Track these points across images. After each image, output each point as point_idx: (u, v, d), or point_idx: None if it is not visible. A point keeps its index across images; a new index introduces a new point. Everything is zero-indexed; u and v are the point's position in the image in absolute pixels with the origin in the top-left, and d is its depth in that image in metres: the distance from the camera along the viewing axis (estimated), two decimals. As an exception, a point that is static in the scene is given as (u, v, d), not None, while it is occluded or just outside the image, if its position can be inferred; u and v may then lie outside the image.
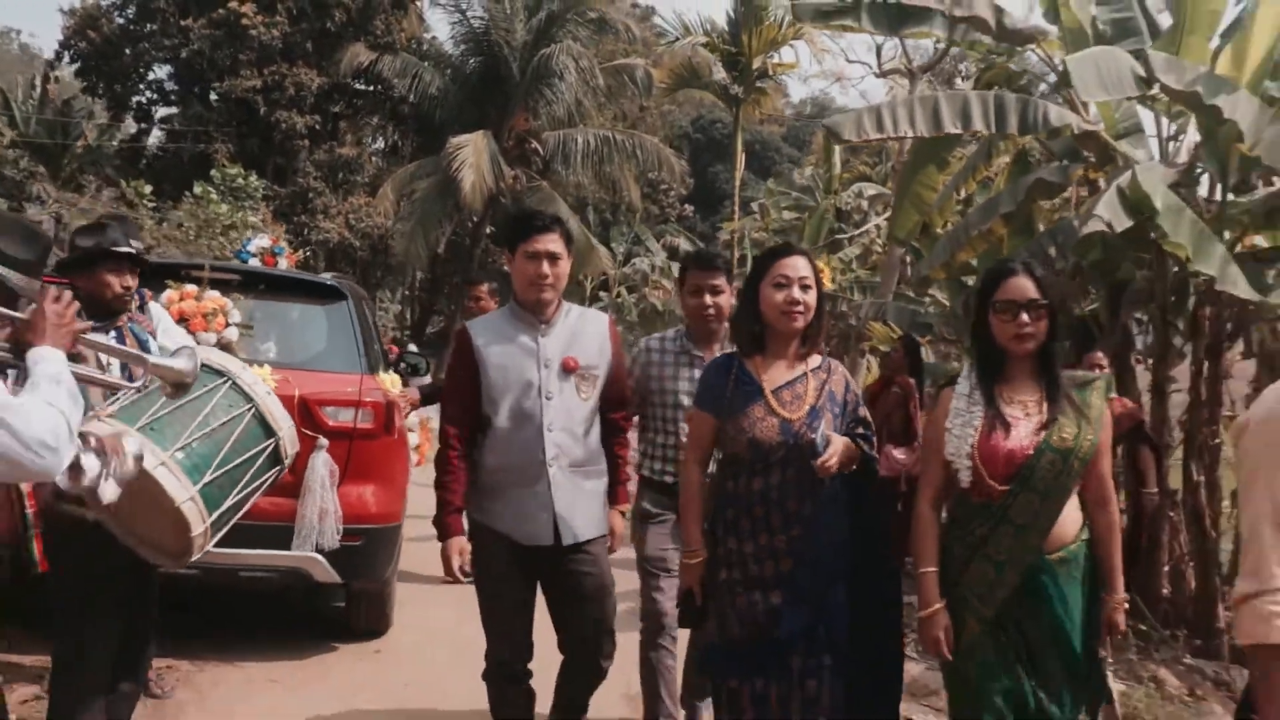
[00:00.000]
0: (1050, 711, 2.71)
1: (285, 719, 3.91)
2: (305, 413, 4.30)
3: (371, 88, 21.12)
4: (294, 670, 4.46)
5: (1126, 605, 2.85)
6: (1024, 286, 2.74)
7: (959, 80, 12.97)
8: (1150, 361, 6.65)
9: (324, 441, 4.32)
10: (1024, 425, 2.73)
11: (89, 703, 2.89)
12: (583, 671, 3.30)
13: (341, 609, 5.06)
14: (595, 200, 23.04)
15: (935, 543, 2.78)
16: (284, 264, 5.92)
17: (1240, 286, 5.33)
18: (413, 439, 5.55)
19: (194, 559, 2.75)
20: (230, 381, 2.74)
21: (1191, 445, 6.31)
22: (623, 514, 3.40)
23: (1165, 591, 6.45)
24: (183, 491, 2.55)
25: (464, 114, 20.06)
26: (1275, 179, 6.10)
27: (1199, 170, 6.38)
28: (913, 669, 4.55)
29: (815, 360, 3.04)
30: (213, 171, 16.59)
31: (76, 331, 2.11)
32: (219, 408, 2.68)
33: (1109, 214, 5.07)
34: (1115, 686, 4.87)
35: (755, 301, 2.96)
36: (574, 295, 27.71)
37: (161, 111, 22.65)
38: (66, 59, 21.11)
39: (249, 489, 2.80)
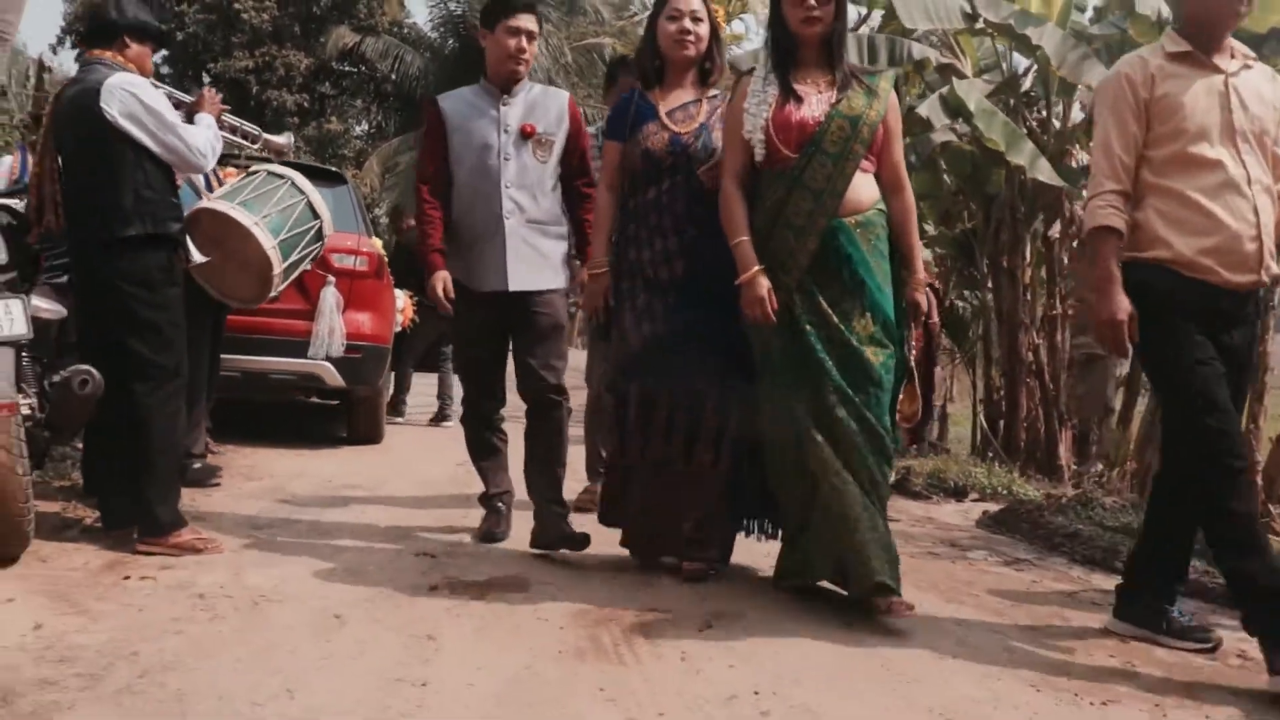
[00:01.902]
0: (864, 357, 2.89)
1: (303, 470, 5.37)
2: (319, 258, 5.83)
3: (356, 69, 22.50)
4: (311, 452, 6.00)
5: (927, 286, 3.11)
6: None
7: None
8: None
9: (332, 279, 5.81)
10: (815, 99, 2.95)
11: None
12: (538, 410, 3.57)
13: (344, 436, 6.62)
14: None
15: (743, 214, 2.96)
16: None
17: (1045, 173, 6.85)
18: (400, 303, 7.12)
19: (269, 296, 4.23)
20: (290, 181, 4.25)
21: (1033, 318, 7.89)
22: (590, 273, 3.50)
23: (1022, 443, 8.02)
24: (269, 241, 4.03)
25: (441, 92, 21.43)
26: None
27: (1034, 92, 7.98)
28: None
29: (712, 91, 3.32)
30: None
31: (221, 109, 3.67)
32: (284, 196, 4.16)
33: (929, 113, 6.62)
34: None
35: (654, 36, 3.28)
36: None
37: (156, 95, 24.08)
38: (68, 44, 22.48)
39: (304, 252, 4.29)
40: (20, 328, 2.86)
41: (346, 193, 6.43)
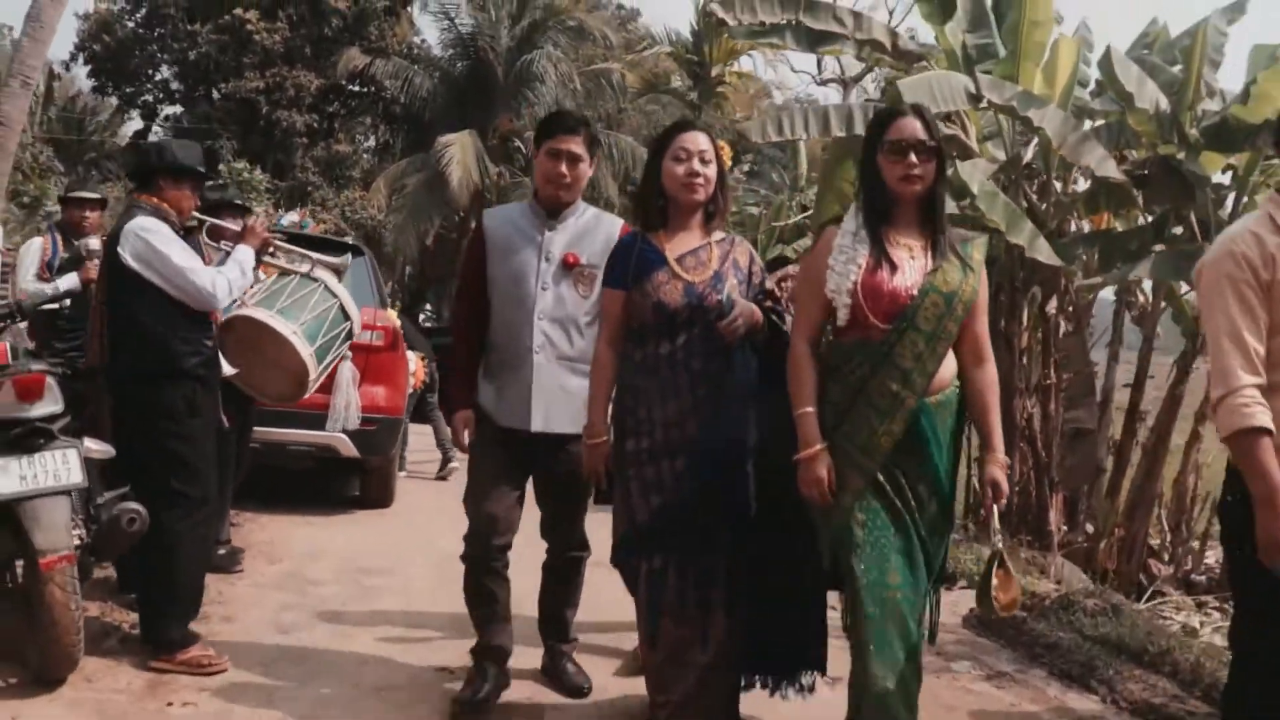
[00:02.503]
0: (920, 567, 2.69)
1: (321, 548, 5.55)
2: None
3: (365, 89, 22.73)
4: (325, 521, 6.19)
5: (1007, 467, 2.86)
6: (914, 127, 2.70)
7: (876, 85, 14.57)
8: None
9: (349, 354, 5.99)
10: (909, 266, 2.69)
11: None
12: (556, 566, 3.47)
13: (357, 495, 6.81)
14: (575, 196, 24.72)
15: (813, 382, 2.73)
16: (310, 231, 7.65)
17: (1044, 254, 7.05)
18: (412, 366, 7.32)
19: (303, 397, 4.41)
20: (323, 284, 4.43)
21: (1028, 384, 8.08)
22: None
23: (1014, 506, 8.21)
24: (306, 349, 4.17)
25: (451, 114, 21.66)
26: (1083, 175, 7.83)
27: (1036, 166, 8.17)
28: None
29: (719, 234, 3.11)
30: (220, 167, 18.24)
31: (267, 240, 3.86)
32: (319, 300, 4.32)
33: (932, 196, 6.84)
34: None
35: (657, 176, 3.05)
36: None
37: (166, 110, 24.33)
38: (81, 60, 22.73)
39: (336, 354, 4.47)
40: (76, 476, 3.06)
41: (363, 264, 6.64)
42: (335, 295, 4.40)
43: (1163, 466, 7.68)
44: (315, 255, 4.38)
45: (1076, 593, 4.82)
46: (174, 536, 3.43)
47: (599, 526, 3.38)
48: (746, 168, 27.35)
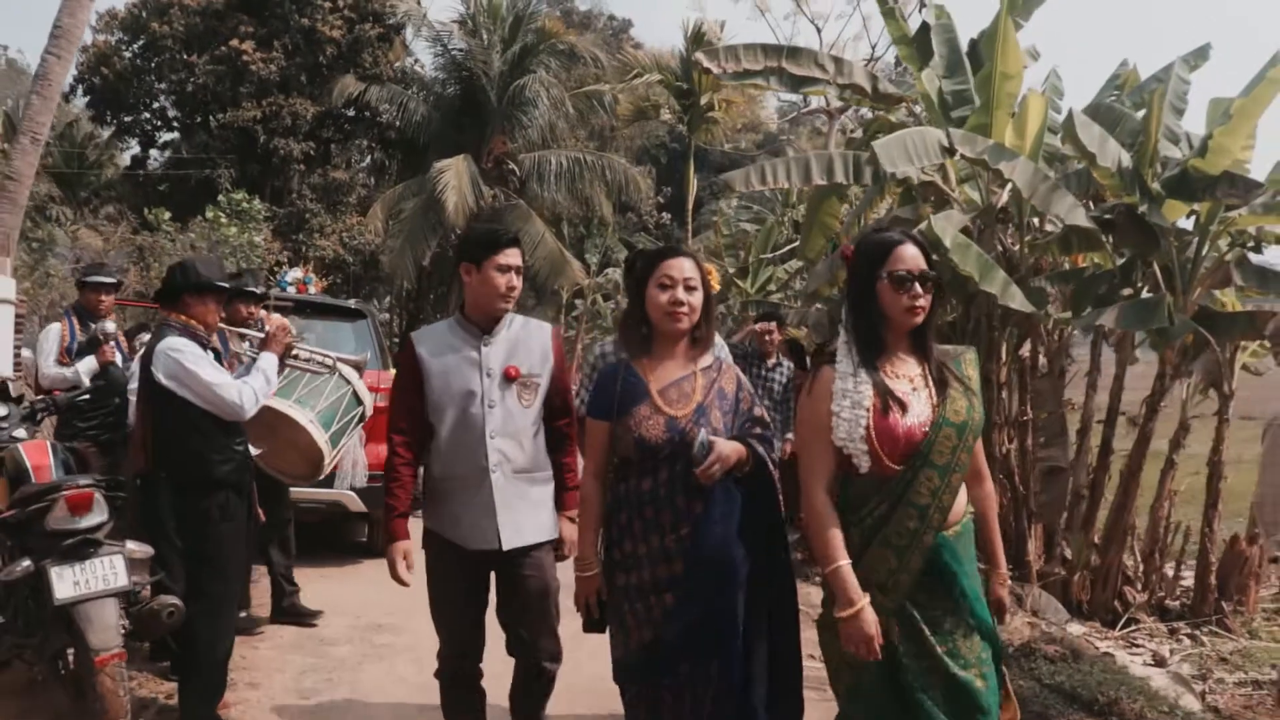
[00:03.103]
0: (974, 686, 2.61)
1: (334, 604, 5.90)
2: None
3: (361, 115, 23.08)
4: (338, 573, 6.55)
5: (1008, 581, 2.87)
6: (917, 257, 2.67)
7: (859, 120, 14.91)
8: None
9: (356, 418, 6.40)
10: (916, 401, 2.63)
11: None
12: (529, 674, 3.42)
13: (364, 541, 7.17)
14: (569, 215, 24.99)
15: (839, 533, 2.60)
16: (313, 289, 8.01)
17: (1016, 301, 7.40)
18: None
19: (318, 478, 4.75)
20: (337, 373, 4.78)
21: (1006, 418, 8.44)
22: (572, 520, 3.38)
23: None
24: (321, 436, 4.55)
25: (445, 138, 22.00)
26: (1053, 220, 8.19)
27: (1011, 210, 8.54)
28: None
29: (706, 359, 3.04)
30: (220, 197, 18.56)
31: (290, 345, 4.21)
32: (333, 389, 4.69)
33: (906, 251, 7.19)
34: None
35: (641, 303, 3.00)
36: (550, 304, 29.43)
37: (164, 137, 24.68)
38: (80, 91, 23.06)
39: (350, 437, 4.82)
40: (122, 580, 3.42)
41: (366, 327, 7.01)
42: (349, 382, 4.75)
43: (1135, 499, 8.03)
44: (335, 355, 4.74)
45: (1039, 639, 5.16)
46: (196, 627, 3.78)
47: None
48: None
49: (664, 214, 30.57)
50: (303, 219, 21.52)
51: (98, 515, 3.49)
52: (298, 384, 4.66)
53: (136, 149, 25.21)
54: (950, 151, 7.60)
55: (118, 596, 3.43)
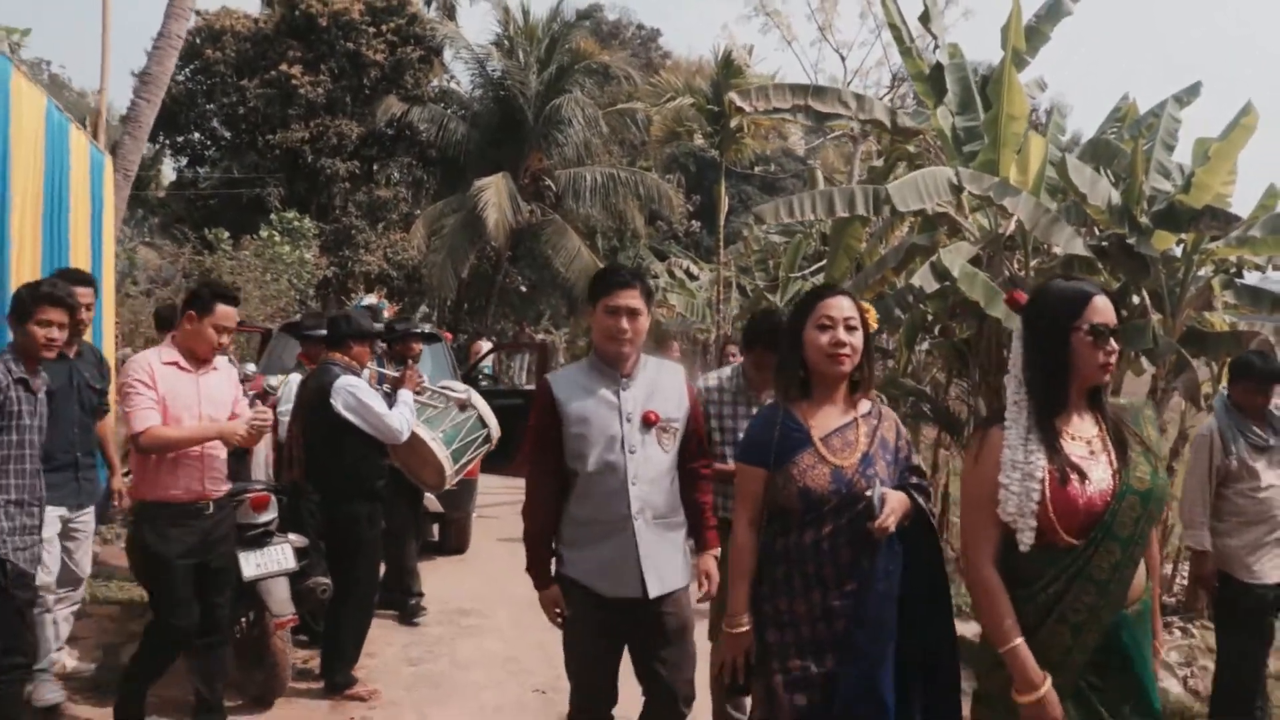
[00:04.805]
0: None
1: (430, 601, 6.74)
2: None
3: (403, 133, 24.14)
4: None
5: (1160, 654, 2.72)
6: (1110, 308, 2.48)
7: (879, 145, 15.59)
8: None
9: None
10: (1095, 467, 2.45)
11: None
12: (662, 711, 3.37)
13: (435, 540, 8.21)
14: (603, 229, 25.92)
15: (1011, 611, 2.43)
16: (385, 314, 9.08)
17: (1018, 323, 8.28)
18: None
19: (446, 487, 5.67)
20: (469, 402, 5.63)
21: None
22: (715, 558, 3.45)
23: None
24: (442, 451, 5.44)
25: (484, 155, 23.02)
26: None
27: (1017, 239, 9.42)
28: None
29: (865, 405, 2.97)
30: (272, 216, 19.62)
31: (418, 383, 5.22)
32: (456, 414, 5.56)
33: (920, 281, 8.11)
34: None
35: (799, 345, 2.92)
36: (586, 316, 30.21)
37: (211, 153, 25.80)
38: (135, 115, 24.22)
39: (474, 453, 5.72)
40: (291, 563, 4.45)
41: (442, 350, 8.05)
42: (474, 407, 5.66)
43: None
44: (449, 393, 5.70)
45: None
46: (345, 612, 4.84)
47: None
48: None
49: (694, 222, 31.27)
50: (349, 235, 22.58)
51: (271, 513, 4.50)
52: (426, 408, 5.55)
53: (184, 164, 26.31)
54: (958, 190, 8.48)
55: (287, 576, 4.45)
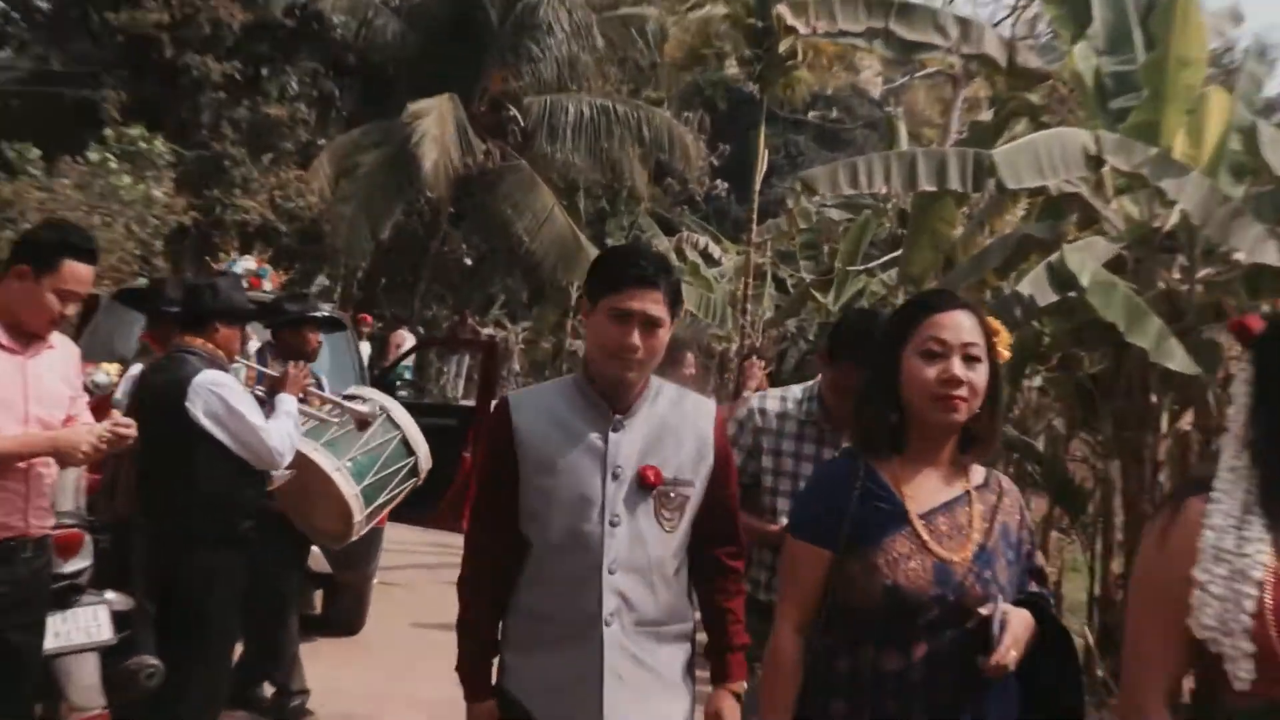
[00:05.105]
0: None
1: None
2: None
3: (307, 27, 24.06)
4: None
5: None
6: None
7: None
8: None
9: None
10: None
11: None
12: None
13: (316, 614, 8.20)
14: (589, 184, 25.98)
15: None
16: (268, 285, 9.08)
17: (1177, 359, 8.25)
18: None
19: (351, 540, 5.65)
20: (386, 414, 5.71)
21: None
22: (736, 696, 3.33)
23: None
24: (350, 489, 5.46)
25: (425, 69, 22.98)
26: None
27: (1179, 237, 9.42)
28: None
29: (978, 474, 2.93)
30: (106, 131, 19.24)
31: (305, 385, 5.22)
32: (376, 433, 5.64)
33: (1032, 289, 8.14)
34: None
35: (893, 377, 2.84)
36: (552, 304, 30.33)
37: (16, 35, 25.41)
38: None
39: (394, 493, 5.75)
40: (106, 633, 4.45)
41: (343, 341, 8.09)
42: (397, 426, 5.68)
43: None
44: (345, 404, 5.72)
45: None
46: (181, 711, 4.79)
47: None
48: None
49: (718, 182, 31.05)
50: (220, 168, 22.42)
51: (83, 559, 4.52)
52: (330, 425, 5.59)
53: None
54: (1099, 162, 8.51)
55: (99, 651, 4.45)
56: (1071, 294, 8.24)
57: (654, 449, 3.19)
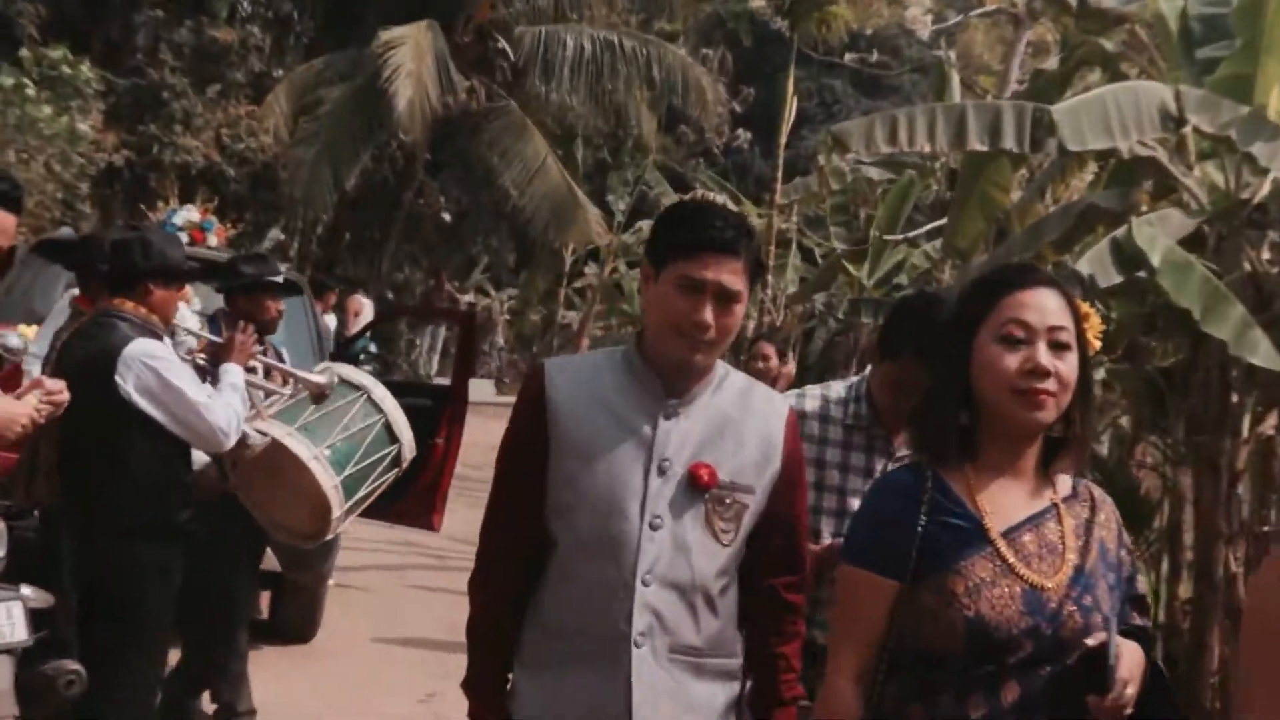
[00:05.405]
0: None
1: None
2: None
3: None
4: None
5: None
6: None
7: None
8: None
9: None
10: None
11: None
12: None
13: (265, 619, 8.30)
14: (589, 131, 25.99)
15: None
16: (213, 240, 9.16)
17: (1261, 353, 8.26)
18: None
19: (326, 538, 5.69)
20: (366, 395, 5.72)
21: (1238, 527, 9.36)
22: None
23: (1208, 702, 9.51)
24: (330, 480, 5.41)
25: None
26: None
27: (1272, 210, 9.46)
28: None
29: (1065, 484, 2.87)
30: (23, 52, 19.21)
31: (252, 353, 5.28)
32: (356, 416, 5.60)
33: (1093, 267, 8.20)
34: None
35: (964, 369, 2.77)
36: (545, 269, 30.18)
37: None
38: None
39: (375, 485, 5.74)
40: (21, 633, 4.52)
41: (300, 306, 8.18)
42: (380, 409, 5.74)
43: None
44: (300, 374, 5.78)
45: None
46: (103, 700, 4.86)
47: None
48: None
49: (740, 132, 30.89)
50: (158, 100, 22.41)
51: (-3, 549, 4.61)
52: (306, 405, 5.62)
53: None
54: (1179, 122, 8.54)
55: (12, 655, 4.54)
56: (1140, 274, 8.28)
57: (711, 444, 3.12)
